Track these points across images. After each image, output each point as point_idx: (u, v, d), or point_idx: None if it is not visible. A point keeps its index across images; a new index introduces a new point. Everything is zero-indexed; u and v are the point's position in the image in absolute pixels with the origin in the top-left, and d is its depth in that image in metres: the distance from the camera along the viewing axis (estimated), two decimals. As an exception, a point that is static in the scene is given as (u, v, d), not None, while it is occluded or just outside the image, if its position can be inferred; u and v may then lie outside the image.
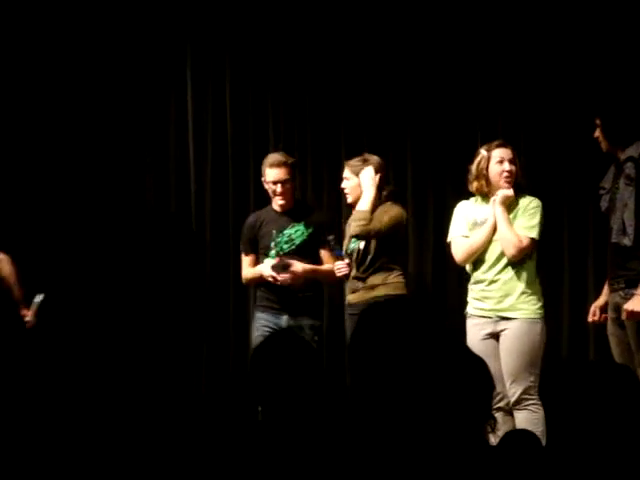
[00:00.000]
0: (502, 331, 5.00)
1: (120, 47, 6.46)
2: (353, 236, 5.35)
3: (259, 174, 5.77)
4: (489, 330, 5.02)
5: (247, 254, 5.74)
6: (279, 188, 5.59)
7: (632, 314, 4.58)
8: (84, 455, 2.72)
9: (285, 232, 5.63)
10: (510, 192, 5.05)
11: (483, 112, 6.27)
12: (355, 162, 5.46)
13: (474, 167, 5.10)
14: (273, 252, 5.62)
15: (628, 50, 5.95)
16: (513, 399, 4.94)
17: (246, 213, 6.08)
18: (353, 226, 5.33)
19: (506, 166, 5.06)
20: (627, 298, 4.64)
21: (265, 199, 5.81)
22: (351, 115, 6.42)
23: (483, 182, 5.07)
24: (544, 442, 3.43)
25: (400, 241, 5.46)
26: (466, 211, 5.18)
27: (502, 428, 4.53)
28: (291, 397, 2.88)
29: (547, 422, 5.01)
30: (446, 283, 6.24)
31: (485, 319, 5.04)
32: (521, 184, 5.14)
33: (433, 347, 2.56)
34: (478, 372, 2.52)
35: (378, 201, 5.41)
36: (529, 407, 4.92)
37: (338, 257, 5.52)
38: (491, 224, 5.05)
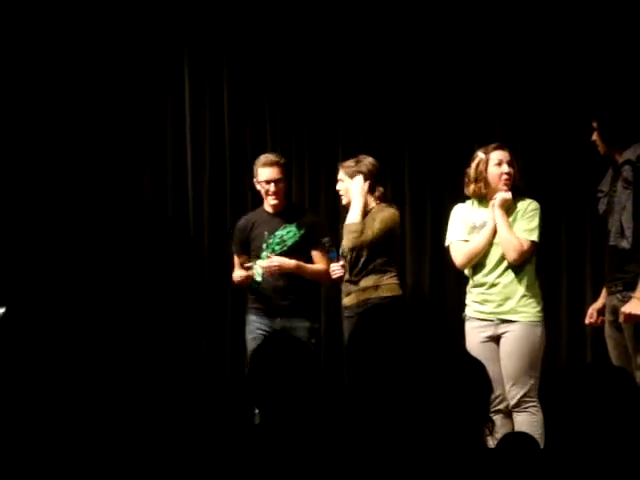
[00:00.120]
0: (503, 334, 5.00)
1: (117, 49, 6.46)
2: (349, 249, 5.35)
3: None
4: (489, 333, 5.02)
5: (239, 256, 5.76)
6: (272, 187, 5.60)
7: (629, 317, 4.58)
8: (83, 454, 2.73)
9: (277, 233, 5.64)
10: (508, 195, 5.05)
11: (480, 115, 6.28)
12: (349, 163, 5.47)
13: (472, 170, 5.10)
14: (265, 254, 5.63)
15: (624, 53, 5.96)
16: (513, 402, 4.94)
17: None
18: (346, 240, 5.35)
19: (505, 168, 5.06)
20: (625, 301, 4.64)
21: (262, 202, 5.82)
22: (348, 118, 6.43)
23: (481, 185, 5.07)
24: (542, 445, 3.44)
25: (393, 243, 5.46)
26: (464, 214, 5.17)
27: (501, 431, 4.53)
28: (288, 399, 2.88)
29: (545, 425, 5.02)
30: (444, 286, 6.24)
31: (485, 322, 5.04)
32: (518, 186, 5.14)
33: (431, 349, 2.56)
34: (476, 375, 2.52)
35: (376, 203, 5.42)
36: (529, 409, 4.92)
37: (333, 259, 5.52)
38: (491, 227, 5.05)
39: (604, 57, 6.01)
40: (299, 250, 5.63)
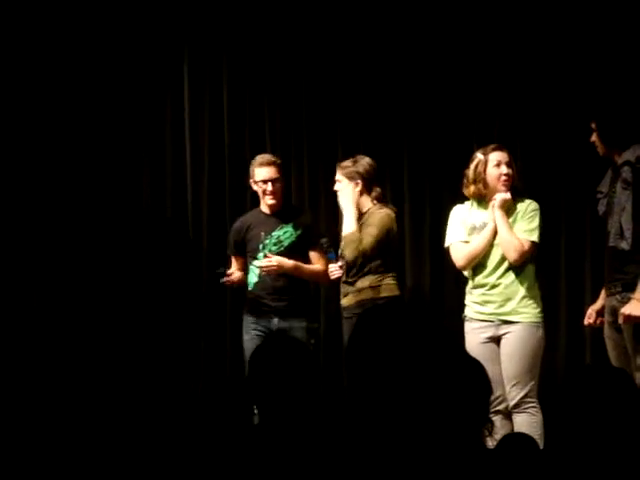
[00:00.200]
0: (504, 335, 5.00)
1: (117, 49, 6.46)
2: (353, 258, 5.33)
3: (255, 178, 5.78)
4: (490, 334, 5.03)
5: (235, 258, 5.77)
6: (270, 187, 5.61)
7: (629, 318, 4.58)
8: (81, 454, 2.73)
9: (274, 234, 5.65)
10: (508, 195, 5.05)
11: (479, 116, 6.28)
12: (347, 164, 5.47)
13: (471, 171, 5.10)
14: (261, 254, 5.63)
15: (623, 53, 5.96)
16: (513, 402, 4.95)
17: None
18: (348, 251, 5.32)
19: (504, 169, 5.06)
20: (624, 302, 4.64)
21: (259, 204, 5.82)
22: (348, 119, 6.43)
23: (480, 186, 5.07)
24: (542, 446, 3.44)
25: (390, 244, 5.45)
26: (463, 215, 5.18)
27: (500, 432, 4.53)
28: (288, 399, 2.89)
29: (545, 425, 5.03)
30: (443, 286, 6.25)
31: (486, 323, 5.04)
32: (517, 187, 5.14)
33: (430, 350, 2.56)
34: (476, 376, 2.52)
35: (373, 203, 5.42)
36: (528, 410, 4.93)
37: (331, 260, 5.52)
38: (491, 228, 5.05)
39: (603, 58, 6.01)
40: (296, 250, 5.63)
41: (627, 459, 2.46)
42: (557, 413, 2.59)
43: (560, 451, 2.53)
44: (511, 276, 5.03)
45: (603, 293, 4.94)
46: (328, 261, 5.54)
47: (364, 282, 5.35)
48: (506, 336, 5.00)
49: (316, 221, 6.00)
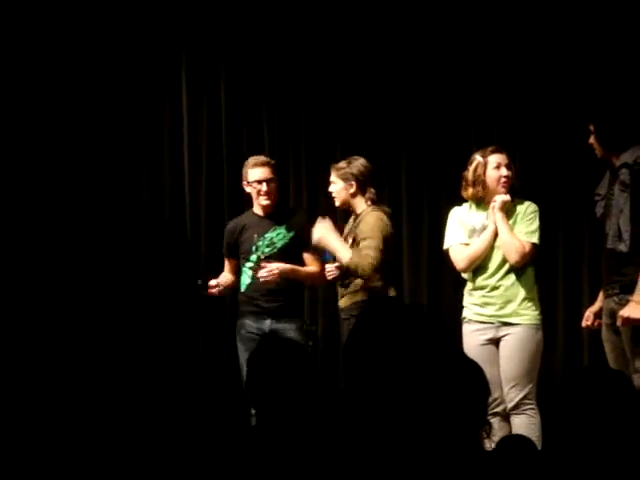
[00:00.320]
0: (503, 337, 5.00)
1: (115, 53, 6.46)
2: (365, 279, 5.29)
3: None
4: (490, 336, 5.03)
5: (228, 260, 5.76)
6: (264, 187, 5.60)
7: (627, 320, 4.58)
8: (77, 454, 2.73)
9: (267, 236, 5.64)
10: (507, 197, 5.05)
11: (478, 118, 6.29)
12: (341, 165, 5.46)
13: (470, 173, 5.09)
14: (254, 256, 5.63)
15: (621, 56, 5.97)
16: (512, 404, 4.94)
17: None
18: (360, 275, 5.24)
19: (503, 171, 5.06)
20: (622, 304, 4.64)
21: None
22: (346, 121, 6.43)
23: (480, 188, 5.06)
24: (540, 448, 3.44)
25: (386, 246, 5.43)
26: (461, 217, 5.17)
27: (498, 434, 4.53)
28: (285, 401, 2.88)
29: (542, 427, 5.02)
30: (441, 288, 6.25)
31: (486, 325, 5.04)
32: (515, 187, 5.14)
33: (429, 352, 2.56)
34: (474, 377, 2.52)
35: (367, 205, 5.40)
36: (527, 412, 4.93)
37: (328, 261, 5.50)
38: (492, 230, 5.05)
39: (601, 60, 6.02)
40: (289, 252, 5.62)
41: (625, 461, 2.46)
42: (555, 415, 2.59)
43: (558, 453, 2.53)
44: (512, 278, 5.03)
45: (601, 295, 4.94)
46: (325, 261, 5.53)
47: (358, 284, 5.34)
48: (505, 338, 5.00)
49: (311, 222, 5.98)
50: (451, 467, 2.38)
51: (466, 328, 5.12)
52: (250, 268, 5.63)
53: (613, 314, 4.70)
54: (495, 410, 4.89)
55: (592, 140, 4.84)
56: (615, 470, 2.46)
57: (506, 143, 5.65)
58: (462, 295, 5.21)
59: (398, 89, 6.37)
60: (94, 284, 6.28)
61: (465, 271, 5.14)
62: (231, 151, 6.50)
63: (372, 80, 6.39)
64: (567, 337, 6.11)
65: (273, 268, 5.52)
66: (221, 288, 5.72)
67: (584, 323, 5.04)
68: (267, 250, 5.62)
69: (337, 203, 5.51)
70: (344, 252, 5.29)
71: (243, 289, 5.69)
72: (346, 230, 5.47)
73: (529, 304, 5.02)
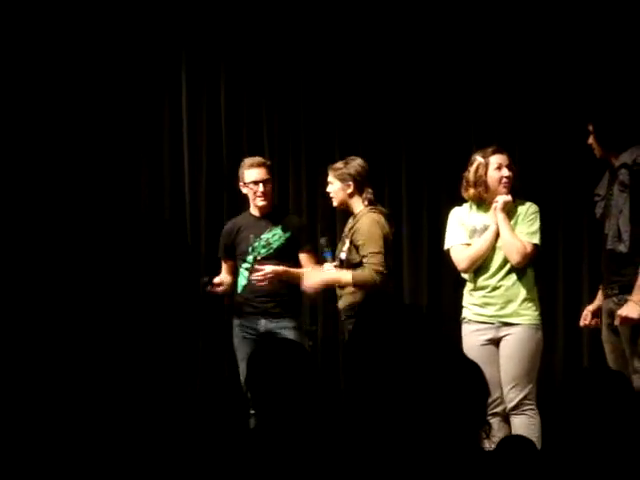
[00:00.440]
0: (504, 337, 5.00)
1: (115, 53, 6.46)
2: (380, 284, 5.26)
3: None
4: (490, 336, 5.03)
5: (225, 261, 5.76)
6: (260, 188, 5.60)
7: (625, 320, 4.59)
8: (76, 454, 2.73)
9: (263, 236, 5.64)
10: (509, 198, 5.05)
11: (477, 119, 6.29)
12: (338, 165, 5.46)
13: (471, 174, 5.09)
14: (250, 257, 5.63)
15: (620, 56, 5.97)
16: (512, 404, 4.94)
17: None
18: (372, 284, 5.21)
19: (505, 172, 5.06)
20: (621, 304, 4.64)
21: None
22: (346, 122, 6.44)
23: (481, 189, 5.06)
24: (539, 448, 3.44)
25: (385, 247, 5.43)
26: (462, 218, 5.17)
27: (498, 434, 4.52)
28: (285, 401, 2.88)
29: (542, 428, 5.02)
30: (441, 289, 6.25)
31: (486, 325, 5.04)
32: (515, 187, 5.14)
33: (428, 353, 2.56)
34: (473, 378, 2.52)
35: (364, 205, 5.38)
36: (526, 412, 4.92)
37: (327, 259, 5.49)
38: (493, 231, 5.05)
39: (600, 60, 6.02)
40: (285, 253, 5.63)
41: (625, 461, 2.46)
42: (555, 416, 2.59)
43: (558, 454, 2.54)
44: (512, 278, 5.03)
45: (599, 294, 4.94)
46: (323, 260, 5.53)
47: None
48: (506, 338, 5.00)
49: (306, 223, 5.99)
50: (451, 467, 2.38)
51: (466, 328, 5.12)
52: (246, 269, 5.63)
53: (612, 314, 4.70)
54: (495, 410, 4.89)
55: (591, 140, 4.84)
56: (615, 470, 2.46)
57: (506, 143, 5.65)
58: (462, 295, 5.21)
59: (398, 89, 6.37)
60: (93, 284, 6.28)
61: (466, 271, 5.13)
62: (231, 151, 6.50)
63: (372, 80, 6.39)
64: (567, 338, 6.12)
65: (267, 271, 5.52)
66: (225, 287, 5.72)
67: (582, 322, 5.04)
68: (263, 251, 5.62)
69: (335, 203, 5.51)
70: (344, 276, 5.26)
71: (239, 290, 5.70)
72: (345, 231, 5.46)
73: (529, 304, 5.03)
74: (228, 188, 6.46)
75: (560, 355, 6.11)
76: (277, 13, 6.45)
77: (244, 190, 5.70)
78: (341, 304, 5.42)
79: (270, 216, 5.67)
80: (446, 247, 5.22)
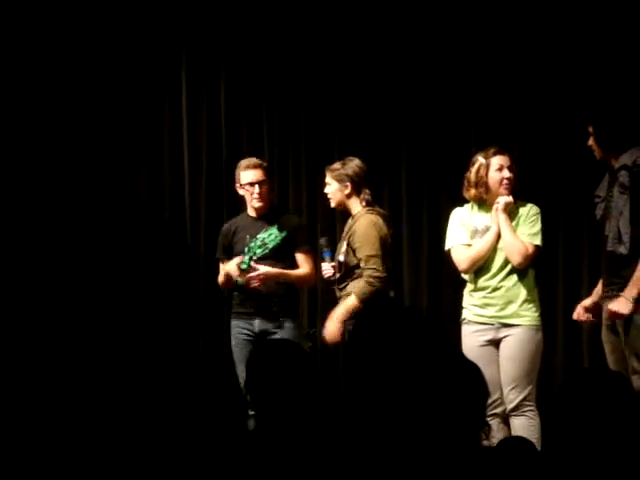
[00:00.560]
0: (504, 338, 5.00)
1: (115, 53, 6.46)
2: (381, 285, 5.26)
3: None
4: (490, 337, 5.02)
5: (223, 262, 5.75)
6: (256, 189, 5.60)
7: (615, 314, 4.60)
8: (74, 454, 2.73)
9: (258, 236, 5.64)
10: (510, 199, 5.05)
11: (477, 120, 6.29)
12: (336, 166, 5.46)
13: (472, 175, 5.09)
14: (247, 257, 5.63)
15: (620, 57, 5.97)
16: (512, 405, 4.94)
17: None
18: (373, 287, 5.21)
19: (506, 173, 5.06)
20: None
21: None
22: (346, 122, 6.43)
23: (482, 190, 5.06)
24: (539, 449, 3.43)
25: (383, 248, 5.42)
26: (463, 218, 5.17)
27: (497, 435, 4.52)
28: (285, 403, 2.88)
29: (542, 429, 5.01)
30: (441, 290, 6.25)
31: (486, 326, 5.04)
32: (516, 188, 5.14)
33: (428, 354, 2.56)
34: (473, 379, 2.52)
35: (362, 206, 5.38)
36: (526, 413, 4.92)
37: (325, 259, 5.48)
38: (495, 232, 5.05)
39: (600, 62, 6.02)
40: (281, 253, 5.62)
41: (625, 463, 2.46)
42: (555, 417, 2.59)
43: (558, 455, 2.53)
44: (513, 279, 5.03)
45: (595, 291, 4.95)
46: (322, 260, 5.52)
47: (354, 287, 5.33)
48: (506, 339, 5.00)
49: (305, 223, 5.98)
50: (450, 468, 2.38)
51: (466, 329, 5.11)
52: (243, 270, 5.63)
53: (613, 315, 4.71)
54: (494, 411, 4.88)
55: (591, 142, 4.84)
56: (615, 472, 2.46)
57: (506, 144, 5.65)
58: (462, 296, 5.21)
59: (398, 90, 6.37)
60: (93, 285, 6.28)
61: (467, 272, 5.13)
62: (231, 151, 6.50)
63: (372, 81, 6.39)
64: (567, 339, 6.11)
65: (260, 273, 5.52)
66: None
67: (575, 316, 5.05)
68: (259, 251, 5.62)
69: (332, 204, 5.50)
70: (349, 302, 5.23)
71: (236, 292, 5.70)
72: (344, 231, 5.46)
73: (530, 305, 5.03)
74: (228, 188, 6.46)
75: (560, 356, 6.11)
76: (277, 13, 6.45)
77: (240, 192, 5.70)
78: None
79: (267, 216, 5.67)
80: (447, 247, 5.21)
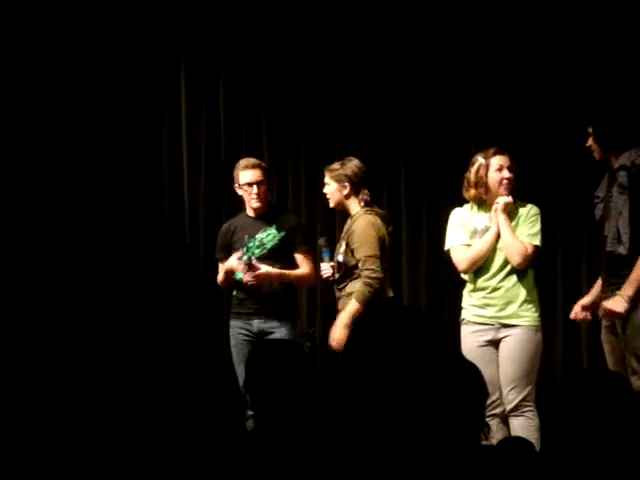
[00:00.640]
0: (503, 338, 5.00)
1: (114, 53, 6.46)
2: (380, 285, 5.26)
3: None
4: (489, 337, 5.02)
5: (222, 262, 5.75)
6: (255, 189, 5.60)
7: (610, 313, 4.61)
8: (72, 454, 2.73)
9: (257, 236, 5.64)
10: (510, 199, 5.05)
11: (477, 120, 6.29)
12: (335, 167, 5.46)
13: (472, 175, 5.09)
14: (245, 257, 5.63)
15: (620, 58, 5.97)
16: (511, 406, 4.94)
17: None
18: (372, 288, 5.20)
19: (505, 174, 5.06)
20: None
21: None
22: (345, 122, 6.44)
23: (482, 190, 5.06)
24: (538, 450, 3.43)
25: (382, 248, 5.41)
26: (463, 218, 5.17)
27: (496, 436, 4.52)
28: (284, 403, 2.88)
29: (541, 429, 5.01)
30: (440, 290, 6.25)
31: (485, 326, 5.04)
32: (515, 188, 5.14)
33: (427, 354, 2.56)
34: (472, 379, 2.52)
35: (360, 206, 5.38)
36: (526, 414, 4.92)
37: (324, 259, 5.48)
38: (494, 232, 5.05)
39: (599, 62, 6.02)
40: (279, 253, 5.62)
41: (624, 463, 2.46)
42: (554, 417, 2.58)
43: (557, 455, 2.53)
44: (512, 279, 5.03)
45: (593, 290, 4.95)
46: (321, 260, 5.52)
47: (353, 287, 5.33)
48: (506, 339, 5.00)
49: (304, 223, 5.98)
50: (450, 469, 2.38)
51: (465, 329, 5.11)
52: (241, 270, 5.63)
53: (613, 316, 4.71)
54: (494, 412, 4.88)
55: (590, 142, 4.84)
56: (614, 472, 2.45)
57: (505, 144, 5.65)
58: (461, 296, 5.21)
59: (397, 90, 6.37)
60: (92, 285, 6.28)
61: (466, 272, 5.13)
62: (230, 151, 6.50)
63: (371, 81, 6.39)
64: (566, 339, 6.11)
65: (260, 273, 5.52)
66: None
67: (572, 315, 5.05)
68: (257, 251, 5.62)
69: (331, 204, 5.51)
70: (352, 307, 5.22)
71: (234, 292, 5.71)
72: (343, 231, 5.46)
73: (529, 306, 5.03)
74: (227, 188, 6.46)
75: (559, 357, 6.11)
76: (276, 14, 6.45)
77: (239, 192, 5.70)
78: (340, 305, 5.42)
79: (265, 216, 5.67)
80: (446, 247, 5.21)
